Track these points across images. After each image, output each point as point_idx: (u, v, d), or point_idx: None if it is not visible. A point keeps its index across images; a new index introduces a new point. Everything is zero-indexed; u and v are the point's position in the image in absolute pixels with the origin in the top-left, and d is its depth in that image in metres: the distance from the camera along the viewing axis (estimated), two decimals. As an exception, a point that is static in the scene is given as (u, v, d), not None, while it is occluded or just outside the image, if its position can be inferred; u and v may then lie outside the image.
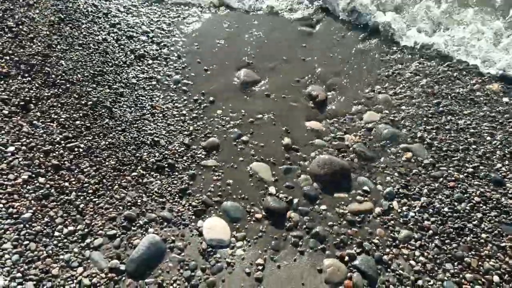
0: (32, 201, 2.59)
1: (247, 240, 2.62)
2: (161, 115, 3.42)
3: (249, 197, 2.88)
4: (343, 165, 3.03)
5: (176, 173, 2.99)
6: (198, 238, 2.61)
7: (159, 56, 4.08)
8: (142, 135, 3.20)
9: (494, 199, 2.83)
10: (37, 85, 3.33)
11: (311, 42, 4.54)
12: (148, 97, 3.57)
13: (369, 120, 3.49)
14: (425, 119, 3.49)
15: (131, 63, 3.88)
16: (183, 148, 3.17)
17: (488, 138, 3.29)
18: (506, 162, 3.07)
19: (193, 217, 2.73)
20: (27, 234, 2.42)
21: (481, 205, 2.81)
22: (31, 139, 2.92)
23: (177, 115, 3.45)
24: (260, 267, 2.47)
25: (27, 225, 2.46)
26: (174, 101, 3.59)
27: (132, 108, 3.42)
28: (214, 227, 2.66)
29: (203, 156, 3.14)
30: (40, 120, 3.08)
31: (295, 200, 2.85)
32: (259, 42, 4.47)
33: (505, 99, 3.67)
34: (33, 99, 3.20)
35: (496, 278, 2.42)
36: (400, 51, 4.35)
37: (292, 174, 3.06)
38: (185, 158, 3.11)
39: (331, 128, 3.43)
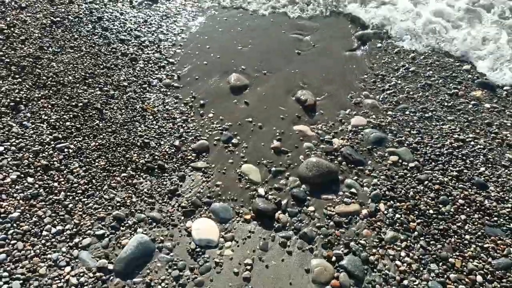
0: (21, 201, 2.59)
1: (235, 240, 2.64)
2: (151, 117, 3.44)
3: (238, 198, 2.91)
4: (331, 168, 3.08)
5: (166, 174, 3.00)
6: (187, 238, 2.62)
7: (150, 59, 4.11)
8: (132, 137, 3.22)
9: (477, 202, 2.90)
10: (27, 86, 3.34)
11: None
12: (139, 99, 3.59)
13: (356, 124, 3.55)
14: (411, 123, 3.56)
15: (122, 66, 3.90)
16: (173, 150, 3.19)
17: (472, 142, 3.37)
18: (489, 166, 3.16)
19: (182, 217, 2.74)
20: (14, 234, 2.42)
21: (465, 207, 2.87)
22: (20, 140, 2.93)
23: (167, 117, 3.48)
24: (248, 267, 2.48)
25: (14, 225, 2.46)
26: (165, 104, 3.61)
27: (123, 110, 3.44)
28: (203, 227, 2.67)
29: (193, 158, 3.16)
30: (30, 121, 3.09)
31: (284, 202, 2.89)
32: (250, 48, 4.53)
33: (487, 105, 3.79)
34: (23, 100, 3.21)
35: (479, 278, 2.47)
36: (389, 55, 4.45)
37: (281, 176, 3.09)
38: (175, 159, 3.13)
39: (319, 132, 3.48)
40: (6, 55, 3.52)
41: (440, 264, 2.55)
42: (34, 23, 4.02)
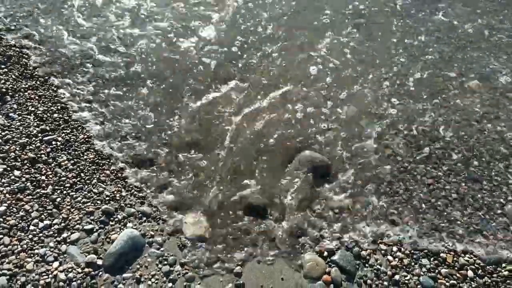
0: (7, 195, 2.53)
1: (227, 235, 2.62)
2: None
3: (230, 192, 2.87)
4: (325, 161, 3.05)
5: (157, 168, 2.95)
6: (178, 233, 2.59)
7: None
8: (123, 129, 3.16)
9: (470, 196, 2.89)
10: (14, 76, 3.25)
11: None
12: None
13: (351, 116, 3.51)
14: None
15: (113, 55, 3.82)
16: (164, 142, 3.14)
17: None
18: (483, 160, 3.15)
19: (173, 212, 2.70)
20: (0, 228, 2.37)
21: (457, 201, 2.87)
22: (6, 132, 2.85)
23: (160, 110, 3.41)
24: (240, 262, 2.46)
25: (1, 219, 2.41)
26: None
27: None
28: (194, 222, 2.64)
29: (184, 152, 3.11)
30: (17, 112, 3.01)
31: (276, 196, 2.86)
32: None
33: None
34: (9, 90, 3.12)
35: (470, 273, 2.47)
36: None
37: (274, 169, 3.05)
38: (165, 153, 3.07)
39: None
40: (-8, 44, 3.43)
41: (432, 259, 2.55)
42: (19, 9, 3.91)
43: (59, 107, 3.16)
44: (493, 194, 2.91)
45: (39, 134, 2.92)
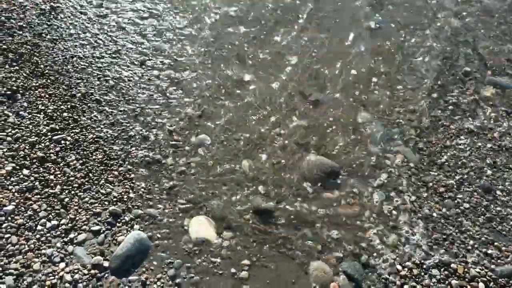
0: (16, 194, 2.53)
1: (234, 239, 2.59)
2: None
3: (238, 196, 2.85)
4: (333, 166, 3.01)
5: (164, 170, 2.94)
6: (184, 237, 2.57)
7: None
8: (131, 130, 3.15)
9: (483, 206, 2.83)
10: (25, 74, 3.26)
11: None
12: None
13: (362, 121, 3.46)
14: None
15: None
16: (173, 143, 3.12)
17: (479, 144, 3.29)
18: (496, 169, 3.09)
19: (180, 215, 2.69)
20: (8, 227, 2.37)
21: (470, 211, 2.81)
22: (16, 130, 2.86)
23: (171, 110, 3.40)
24: (246, 267, 2.44)
25: (9, 218, 2.41)
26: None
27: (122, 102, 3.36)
28: (201, 225, 2.62)
29: (192, 153, 3.09)
30: (27, 111, 3.01)
31: (284, 201, 2.83)
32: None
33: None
34: (20, 88, 3.13)
35: (481, 286, 2.42)
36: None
37: (283, 173, 3.02)
38: (174, 154, 3.06)
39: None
40: (3, 42, 3.43)
41: (442, 269, 2.50)
42: (33, 8, 3.92)
43: (69, 106, 3.16)
44: (507, 204, 2.85)
45: (49, 133, 2.92)
